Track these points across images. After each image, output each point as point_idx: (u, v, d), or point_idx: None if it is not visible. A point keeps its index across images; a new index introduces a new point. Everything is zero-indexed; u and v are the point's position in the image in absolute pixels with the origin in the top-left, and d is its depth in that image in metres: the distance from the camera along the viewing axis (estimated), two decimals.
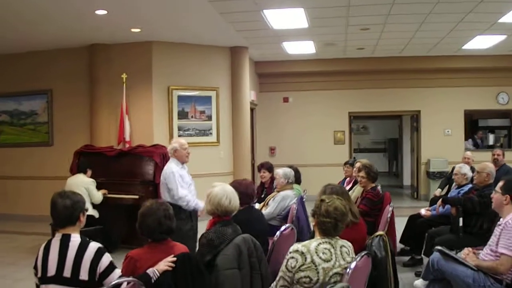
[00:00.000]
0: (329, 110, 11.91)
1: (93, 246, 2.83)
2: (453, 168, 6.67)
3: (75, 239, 2.84)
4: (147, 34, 8.47)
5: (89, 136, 9.02)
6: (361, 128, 19.54)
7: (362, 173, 5.52)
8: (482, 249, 3.89)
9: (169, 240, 3.12)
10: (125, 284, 2.71)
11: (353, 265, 2.94)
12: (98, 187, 6.87)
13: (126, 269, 2.94)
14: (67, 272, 2.74)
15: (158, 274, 2.84)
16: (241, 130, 10.01)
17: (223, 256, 3.29)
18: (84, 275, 2.74)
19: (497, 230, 3.68)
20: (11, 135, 9.91)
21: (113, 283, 2.62)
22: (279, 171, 5.95)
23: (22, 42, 8.81)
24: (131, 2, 6.75)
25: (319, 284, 2.78)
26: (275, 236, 3.96)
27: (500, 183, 3.88)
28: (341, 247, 3.02)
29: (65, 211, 2.84)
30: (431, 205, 6.80)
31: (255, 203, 6.41)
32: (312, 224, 3.12)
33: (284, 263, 2.97)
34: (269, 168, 6.85)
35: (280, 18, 7.66)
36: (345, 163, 7.38)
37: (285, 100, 12.12)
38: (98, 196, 6.72)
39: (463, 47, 9.93)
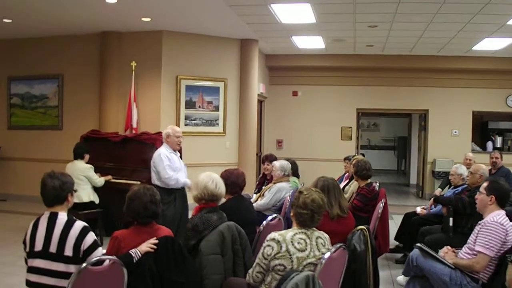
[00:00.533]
0: (337, 106, 11.93)
1: (79, 224, 2.98)
2: None
3: (62, 217, 2.99)
4: (158, 23, 8.59)
5: (98, 121, 9.20)
6: (372, 125, 19.53)
7: (353, 170, 5.63)
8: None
9: (154, 223, 3.26)
10: (107, 261, 2.87)
11: (326, 255, 3.04)
12: (103, 172, 7.02)
13: (111, 248, 3.10)
14: (53, 248, 2.89)
15: (140, 255, 2.99)
16: (248, 122, 10.12)
17: (207, 241, 3.43)
18: (68, 251, 2.89)
19: (476, 229, 3.74)
20: (22, 117, 10.13)
21: (94, 259, 2.78)
22: (276, 163, 6.06)
23: (35, 28, 9.03)
24: None
25: (289, 272, 2.89)
26: (261, 225, 4.08)
27: (484, 184, 3.94)
28: (317, 238, 3.13)
29: (53, 191, 2.99)
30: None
31: (255, 193, 6.58)
32: (291, 215, 3.23)
33: (261, 250, 3.09)
34: (273, 160, 6.95)
35: (288, 13, 7.73)
36: (345, 158, 7.48)
37: (294, 94, 12.17)
38: (99, 180, 6.79)
39: (473, 48, 9.88)
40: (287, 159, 6.35)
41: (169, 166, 5.71)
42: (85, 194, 6.63)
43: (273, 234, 3.06)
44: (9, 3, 7.34)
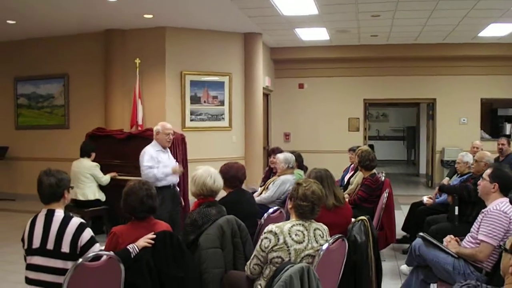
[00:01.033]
0: (344, 97, 11.85)
1: (75, 221, 2.99)
2: None
3: (59, 214, 3.00)
4: (160, 20, 8.59)
5: (104, 119, 9.24)
6: (381, 115, 19.42)
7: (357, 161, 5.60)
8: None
9: (152, 218, 3.26)
10: (105, 257, 2.88)
11: (324, 247, 3.02)
12: (108, 169, 7.03)
13: (109, 244, 3.11)
14: (50, 245, 2.91)
15: (138, 250, 2.99)
16: (254, 116, 10.09)
17: (206, 235, 3.43)
18: (65, 247, 2.90)
19: (479, 217, 3.68)
20: (29, 117, 10.21)
21: (90, 255, 2.79)
22: (280, 156, 6.03)
23: (39, 28, 9.09)
24: None
25: (284, 264, 2.87)
26: (263, 218, 4.07)
27: (488, 171, 3.85)
28: (315, 229, 3.10)
29: (50, 188, 3.00)
30: None
31: (261, 186, 6.56)
32: (289, 207, 3.20)
33: (259, 243, 3.08)
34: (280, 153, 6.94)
35: (290, 5, 7.68)
36: (350, 149, 7.43)
37: (301, 86, 12.12)
38: (105, 178, 6.82)
39: (479, 35, 9.74)
40: (292, 152, 6.31)
41: (147, 166, 5.47)
42: (90, 192, 6.68)
43: (271, 226, 3.05)
44: (13, 5, 7.40)
